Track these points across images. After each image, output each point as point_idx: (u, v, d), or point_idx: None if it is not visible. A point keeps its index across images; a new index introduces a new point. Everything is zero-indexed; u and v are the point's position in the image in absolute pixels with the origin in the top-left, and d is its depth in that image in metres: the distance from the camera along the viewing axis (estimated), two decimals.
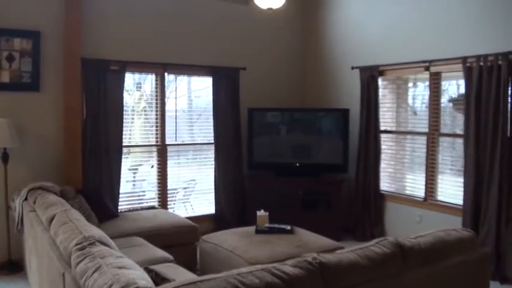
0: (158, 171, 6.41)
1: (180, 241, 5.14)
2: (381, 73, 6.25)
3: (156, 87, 6.38)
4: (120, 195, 5.99)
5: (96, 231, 3.00)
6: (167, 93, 6.51)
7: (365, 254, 2.48)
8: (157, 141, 6.39)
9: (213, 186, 6.72)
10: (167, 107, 6.48)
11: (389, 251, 2.55)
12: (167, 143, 6.44)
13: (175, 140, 6.56)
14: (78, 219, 3.33)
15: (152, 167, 6.43)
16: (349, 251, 2.51)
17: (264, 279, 2.12)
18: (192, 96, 6.99)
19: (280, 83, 7.28)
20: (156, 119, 6.38)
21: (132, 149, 6.37)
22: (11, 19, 5.18)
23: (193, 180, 6.93)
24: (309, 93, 7.47)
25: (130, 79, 6.30)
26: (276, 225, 4.93)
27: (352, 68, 6.53)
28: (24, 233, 4.51)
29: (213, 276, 2.09)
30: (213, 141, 6.67)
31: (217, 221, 6.61)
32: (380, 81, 6.32)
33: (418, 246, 2.68)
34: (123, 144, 5.97)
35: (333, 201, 6.43)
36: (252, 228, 4.95)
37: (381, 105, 6.31)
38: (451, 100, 5.84)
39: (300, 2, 7.39)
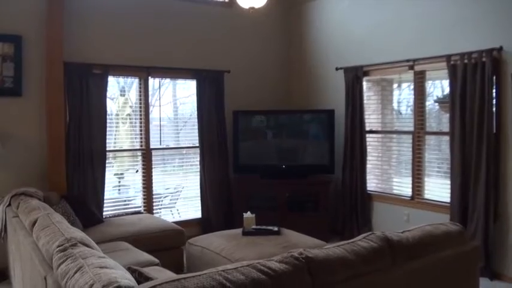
0: (143, 176, 6.35)
1: (167, 245, 5.08)
2: (366, 73, 6.25)
3: (140, 91, 6.32)
4: (106, 201, 5.94)
5: (78, 233, 2.94)
6: (152, 101, 6.46)
7: (352, 249, 2.45)
8: (141, 146, 6.32)
9: (199, 191, 6.66)
10: (153, 114, 6.44)
11: (377, 245, 2.51)
12: (152, 147, 6.37)
13: (160, 145, 6.50)
14: (60, 222, 3.27)
15: (137, 171, 6.36)
16: (336, 246, 2.48)
17: (249, 276, 2.07)
18: (178, 103, 6.94)
19: (265, 85, 7.27)
20: (141, 122, 6.32)
21: (117, 154, 6.30)
22: None
23: (180, 185, 6.87)
24: (294, 95, 7.46)
25: (114, 85, 6.24)
26: (263, 227, 4.90)
27: (337, 69, 6.53)
28: (8, 240, 4.43)
29: (198, 273, 2.03)
30: (198, 145, 6.62)
31: (204, 225, 6.55)
32: (365, 82, 6.32)
33: (406, 240, 2.66)
34: (108, 149, 5.90)
35: (320, 203, 6.41)
36: (239, 231, 4.92)
37: (366, 105, 6.31)
38: (437, 100, 5.85)
39: (283, 4, 7.38)
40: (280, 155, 6.74)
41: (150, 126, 6.39)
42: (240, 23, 6.80)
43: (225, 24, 6.84)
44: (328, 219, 6.43)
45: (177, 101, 6.93)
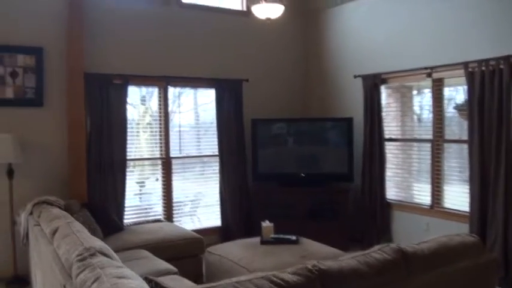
0: (163, 184, 6.42)
1: (186, 253, 5.12)
2: (384, 81, 6.24)
3: (160, 100, 6.40)
4: (127, 209, 6.01)
5: (97, 243, 2.99)
6: (174, 108, 6.53)
7: (366, 261, 2.45)
8: (161, 154, 6.40)
9: (218, 199, 6.71)
10: (174, 121, 6.51)
11: (391, 258, 2.52)
12: (171, 156, 6.44)
13: (180, 153, 6.57)
14: (80, 231, 3.33)
15: (157, 179, 6.43)
16: (350, 258, 2.49)
17: (263, 287, 2.09)
18: (199, 110, 6.99)
19: (283, 93, 7.30)
20: (160, 131, 6.40)
21: (138, 163, 6.37)
22: (13, 36, 5.24)
23: (200, 192, 6.92)
24: (312, 103, 7.47)
25: (136, 94, 6.33)
26: (282, 236, 4.90)
27: (355, 76, 6.53)
28: (30, 247, 4.52)
29: (212, 284, 2.07)
30: (217, 154, 6.67)
31: (223, 233, 6.59)
32: (384, 89, 6.31)
33: (420, 252, 2.65)
34: (128, 157, 5.99)
35: (339, 211, 6.40)
36: (257, 239, 4.93)
37: (385, 113, 6.30)
38: (456, 107, 5.81)
39: (300, 12, 7.41)
40: (299, 163, 6.74)
41: (171, 133, 6.46)
42: (258, 31, 6.83)
43: (243, 33, 6.89)
44: (348, 228, 6.41)
45: (198, 107, 6.97)
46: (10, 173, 5.07)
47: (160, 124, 6.40)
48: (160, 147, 6.41)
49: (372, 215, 6.36)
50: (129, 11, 6.04)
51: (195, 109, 6.95)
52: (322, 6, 7.22)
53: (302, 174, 6.63)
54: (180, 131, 6.60)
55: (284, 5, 4.77)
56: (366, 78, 6.38)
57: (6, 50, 5.18)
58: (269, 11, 4.76)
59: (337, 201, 6.43)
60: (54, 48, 5.47)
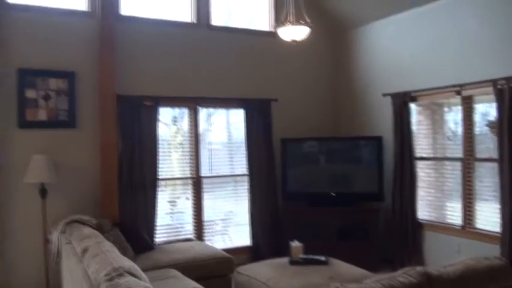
0: (194, 204, 6.48)
1: (215, 273, 5.16)
2: (413, 99, 6.20)
3: (190, 121, 6.49)
4: (158, 228, 6.08)
5: (126, 262, 3.05)
6: (206, 126, 6.62)
7: (390, 284, 2.43)
8: (192, 174, 6.47)
9: (248, 218, 6.73)
10: (206, 140, 6.62)
11: (416, 281, 2.49)
12: (202, 175, 6.51)
13: (210, 172, 6.63)
14: (110, 251, 3.40)
15: (187, 199, 6.49)
16: (375, 281, 2.47)
17: None
18: (232, 128, 7.03)
19: (312, 112, 7.32)
20: (191, 151, 6.47)
21: (169, 182, 6.44)
22: (45, 61, 5.44)
23: (232, 211, 6.94)
24: (341, 122, 7.46)
25: (168, 113, 6.43)
26: (311, 256, 4.89)
27: (384, 95, 6.50)
28: (62, 265, 4.62)
29: None
30: (247, 173, 6.71)
31: (253, 253, 6.60)
32: (414, 107, 6.26)
33: (446, 275, 2.61)
34: (159, 177, 6.07)
35: (370, 231, 6.33)
36: (286, 260, 4.92)
37: (416, 131, 6.24)
38: (488, 124, 5.71)
39: (328, 31, 7.45)
40: (329, 183, 6.70)
41: (203, 152, 6.55)
42: (286, 51, 6.83)
43: (271, 54, 6.94)
44: (379, 248, 6.33)
45: (230, 126, 7.02)
46: (43, 192, 5.21)
47: (190, 144, 6.48)
48: (191, 166, 6.49)
49: (403, 235, 6.26)
50: (159, 34, 6.19)
51: (228, 127, 7.01)
52: (349, 25, 7.24)
53: (332, 194, 6.60)
54: (210, 150, 6.66)
55: (310, 27, 4.80)
56: (394, 96, 6.34)
57: (39, 74, 5.38)
58: (294, 33, 4.80)
59: (368, 221, 6.37)
60: (86, 71, 5.64)
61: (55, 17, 5.53)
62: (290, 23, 4.77)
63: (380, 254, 6.35)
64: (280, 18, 5.03)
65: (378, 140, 6.46)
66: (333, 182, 6.71)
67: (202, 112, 6.58)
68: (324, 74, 7.50)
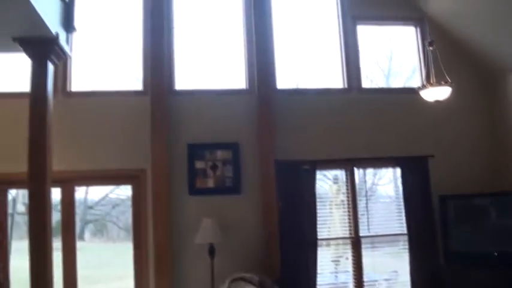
0: (353, 263, 6.59)
1: None
2: None
3: (347, 182, 6.73)
4: (322, 287, 6.31)
5: None
6: (375, 181, 6.87)
7: None
8: (350, 234, 6.63)
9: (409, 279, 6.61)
10: (378, 193, 6.86)
11: None
12: (361, 235, 6.64)
13: (368, 232, 6.72)
14: None
15: (347, 258, 6.63)
16: None
17: None
18: (398, 183, 6.94)
19: (471, 165, 6.92)
20: (349, 211, 6.66)
21: (333, 241, 6.66)
22: (211, 136, 6.28)
23: (396, 271, 6.87)
24: (502, 175, 6.92)
25: (329, 172, 6.76)
26: None
27: None
28: None
29: None
30: (405, 232, 6.65)
31: None
32: None
33: None
34: (319, 237, 6.32)
35: None
36: None
37: None
38: None
39: (483, 84, 7.19)
40: (496, 241, 6.20)
41: (360, 211, 6.67)
42: (437, 107, 6.31)
43: (422, 110, 6.69)
44: None
45: (397, 180, 6.99)
46: (211, 251, 5.81)
47: (348, 204, 6.69)
48: (350, 226, 6.65)
49: None
50: (313, 101, 6.66)
51: (395, 182, 7.04)
52: (505, 68, 6.84)
53: (495, 254, 6.07)
54: (367, 211, 6.77)
55: (451, 86, 4.85)
56: None
57: (206, 148, 6.21)
58: (437, 94, 4.88)
59: None
60: (248, 142, 6.33)
61: (216, 97, 6.43)
62: (431, 85, 4.87)
63: None
64: (421, 81, 5.13)
65: None
66: (502, 240, 6.18)
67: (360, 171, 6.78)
68: (480, 124, 7.12)
